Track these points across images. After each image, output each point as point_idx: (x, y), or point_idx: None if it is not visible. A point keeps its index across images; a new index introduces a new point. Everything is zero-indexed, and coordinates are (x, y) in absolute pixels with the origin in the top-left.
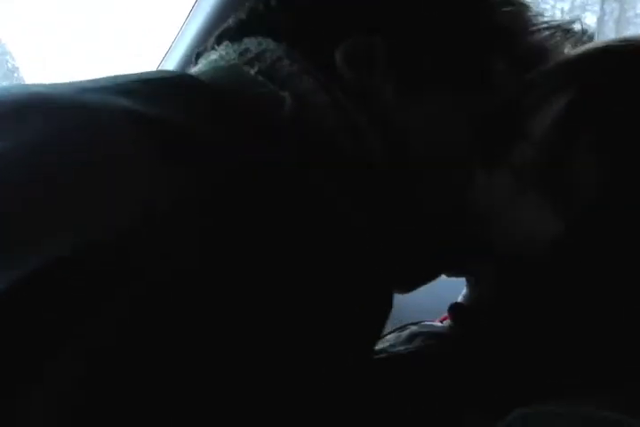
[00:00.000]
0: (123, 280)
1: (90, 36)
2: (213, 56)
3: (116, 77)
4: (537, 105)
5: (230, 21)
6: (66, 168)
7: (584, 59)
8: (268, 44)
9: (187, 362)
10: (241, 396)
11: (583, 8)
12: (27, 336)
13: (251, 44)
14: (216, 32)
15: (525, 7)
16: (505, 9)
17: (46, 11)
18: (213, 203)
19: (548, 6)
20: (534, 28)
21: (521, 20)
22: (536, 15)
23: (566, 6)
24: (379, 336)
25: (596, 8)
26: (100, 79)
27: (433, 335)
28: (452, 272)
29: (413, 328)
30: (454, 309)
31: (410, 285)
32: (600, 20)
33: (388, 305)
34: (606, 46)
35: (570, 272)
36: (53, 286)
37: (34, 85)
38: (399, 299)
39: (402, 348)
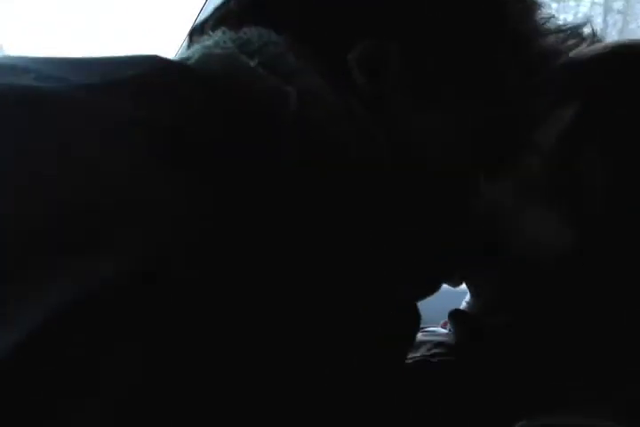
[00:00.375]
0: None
1: (90, 36)
2: (208, 42)
3: (101, 67)
4: (543, 115)
5: (231, 4)
6: (50, 160)
7: (589, 65)
8: (271, 35)
9: (196, 369)
10: (245, 398)
11: (586, 20)
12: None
13: (251, 34)
14: (215, 13)
15: (536, 5)
16: (515, 7)
17: (46, 11)
18: (213, 205)
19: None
20: (546, 30)
21: (531, 20)
22: (548, 17)
23: (569, 18)
24: (398, 343)
25: (599, 20)
26: (85, 67)
27: (438, 344)
28: (456, 279)
29: (417, 336)
30: (454, 315)
31: (416, 289)
32: (603, 32)
33: (396, 309)
34: (611, 51)
35: (575, 276)
36: (58, 340)
37: (21, 74)
38: None
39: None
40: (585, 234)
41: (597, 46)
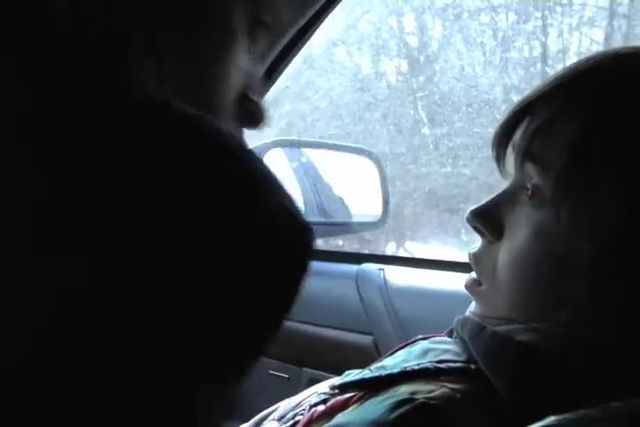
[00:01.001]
0: None
1: None
2: None
3: None
4: (544, 128)
5: None
6: None
7: (588, 76)
8: None
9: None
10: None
11: (591, 24)
12: None
13: None
14: None
15: None
16: None
17: None
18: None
19: (555, 22)
20: None
21: None
22: None
23: (574, 22)
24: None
25: (604, 24)
26: None
27: (446, 350)
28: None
29: (424, 343)
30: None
31: None
32: (608, 36)
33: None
34: (609, 61)
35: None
36: None
37: None
38: (406, 314)
39: (414, 363)
40: (592, 242)
41: (596, 56)
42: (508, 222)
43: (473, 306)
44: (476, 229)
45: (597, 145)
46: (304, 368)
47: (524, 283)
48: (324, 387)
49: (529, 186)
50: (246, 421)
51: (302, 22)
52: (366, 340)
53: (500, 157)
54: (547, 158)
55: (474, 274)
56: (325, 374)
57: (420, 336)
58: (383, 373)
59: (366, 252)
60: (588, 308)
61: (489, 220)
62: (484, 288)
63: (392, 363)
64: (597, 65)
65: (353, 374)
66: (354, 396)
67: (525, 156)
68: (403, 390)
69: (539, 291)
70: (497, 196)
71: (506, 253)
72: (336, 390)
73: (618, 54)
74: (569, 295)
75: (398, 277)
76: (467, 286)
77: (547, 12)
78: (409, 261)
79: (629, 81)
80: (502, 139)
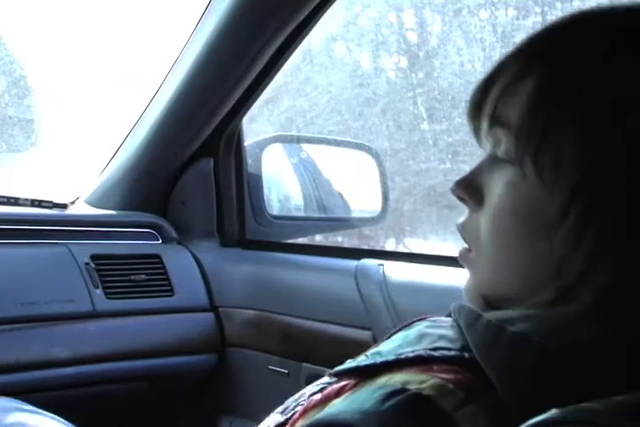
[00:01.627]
0: None
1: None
2: None
3: None
4: (506, 92)
5: None
6: None
7: (547, 35)
8: None
9: None
10: None
11: None
12: None
13: None
14: None
15: None
16: None
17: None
18: None
19: (555, 17)
20: None
21: None
22: None
23: None
24: None
25: None
26: None
27: (441, 336)
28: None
29: (420, 327)
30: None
31: None
32: None
33: None
34: (569, 19)
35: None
36: None
37: None
38: (405, 309)
39: (409, 350)
40: (559, 196)
41: (564, 17)
42: (487, 189)
43: (468, 278)
44: (461, 199)
45: (550, 100)
46: (303, 363)
47: (504, 243)
48: (324, 380)
49: (499, 149)
50: (245, 415)
51: (301, 18)
52: (365, 335)
53: (477, 130)
54: (509, 119)
55: (465, 244)
56: (325, 369)
57: (417, 318)
58: (378, 360)
59: (366, 247)
60: (569, 264)
61: (470, 187)
62: (473, 255)
63: (387, 348)
64: (556, 25)
65: (350, 362)
66: (348, 384)
67: (492, 120)
68: (395, 380)
69: (519, 250)
70: (477, 165)
71: (485, 216)
72: (333, 379)
73: (584, 12)
74: (549, 254)
75: (398, 272)
76: (459, 257)
77: (546, 8)
78: (408, 257)
79: (578, 37)
80: (475, 110)
